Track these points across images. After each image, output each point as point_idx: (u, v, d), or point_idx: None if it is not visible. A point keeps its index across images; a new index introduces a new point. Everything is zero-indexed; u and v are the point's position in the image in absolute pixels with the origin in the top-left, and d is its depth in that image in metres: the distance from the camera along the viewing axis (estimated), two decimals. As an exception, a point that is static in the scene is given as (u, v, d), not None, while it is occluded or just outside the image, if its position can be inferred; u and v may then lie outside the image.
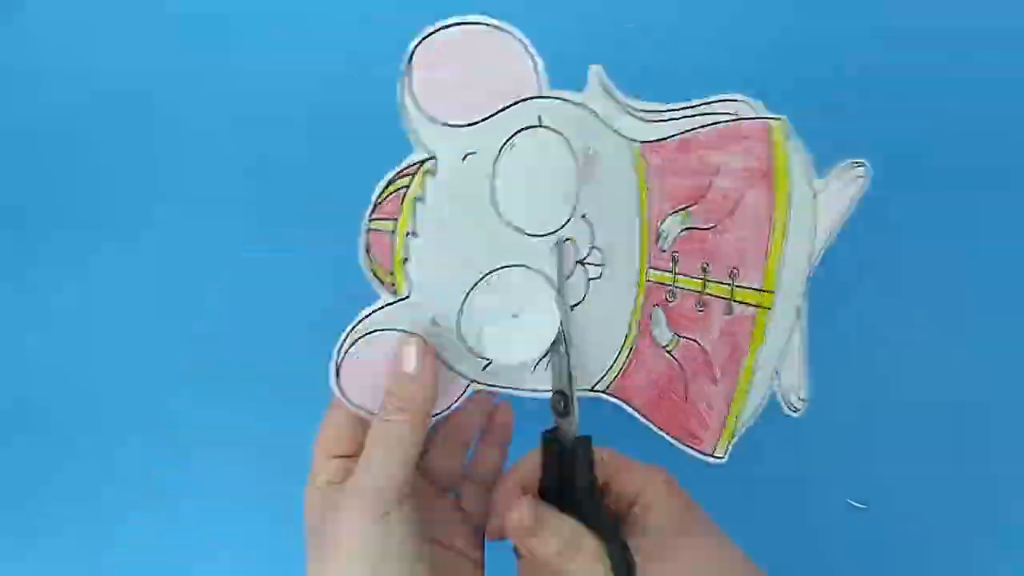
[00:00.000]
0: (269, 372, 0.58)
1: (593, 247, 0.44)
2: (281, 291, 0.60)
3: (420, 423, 0.38)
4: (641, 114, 0.44)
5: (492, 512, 0.44)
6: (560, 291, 0.42)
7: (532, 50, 0.40)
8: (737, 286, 0.47)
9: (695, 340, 0.47)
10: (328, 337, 0.40)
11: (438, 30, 0.38)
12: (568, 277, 0.43)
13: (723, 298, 0.47)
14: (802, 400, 0.47)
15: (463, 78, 0.39)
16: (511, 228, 0.42)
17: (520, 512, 0.37)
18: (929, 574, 0.60)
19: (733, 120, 0.46)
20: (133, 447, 0.58)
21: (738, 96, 0.45)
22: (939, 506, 0.60)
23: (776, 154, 0.46)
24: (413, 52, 0.38)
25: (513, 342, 0.42)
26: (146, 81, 0.61)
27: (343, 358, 0.39)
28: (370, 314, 0.40)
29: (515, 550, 0.43)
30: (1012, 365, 0.61)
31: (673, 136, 0.45)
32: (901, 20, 0.62)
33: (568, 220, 0.43)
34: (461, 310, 0.41)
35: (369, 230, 0.40)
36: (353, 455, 0.39)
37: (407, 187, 0.40)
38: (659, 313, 0.46)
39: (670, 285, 0.46)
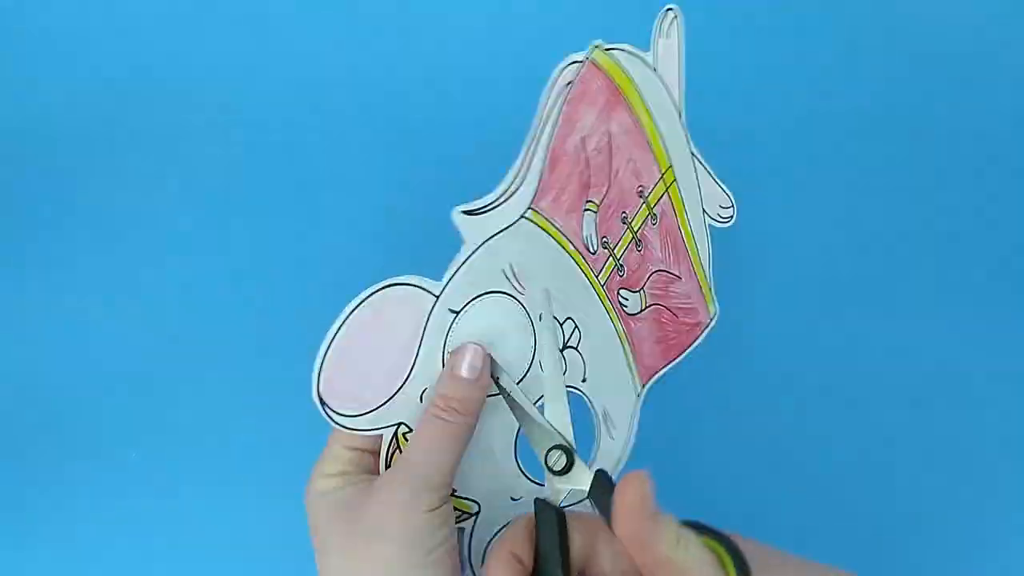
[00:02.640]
0: (270, 372, 0.56)
1: (564, 321, 0.41)
2: (281, 290, 0.59)
3: (471, 426, 0.38)
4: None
5: None
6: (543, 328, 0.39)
7: (406, 279, 0.36)
8: (649, 197, 0.45)
9: (653, 271, 0.46)
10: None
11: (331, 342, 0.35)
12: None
13: (645, 217, 0.45)
14: (727, 207, 0.49)
15: (369, 365, 0.36)
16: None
17: (643, 483, 0.32)
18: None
19: (569, 91, 0.39)
20: (133, 445, 0.57)
21: (567, 59, 0.39)
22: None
23: (614, 75, 0.41)
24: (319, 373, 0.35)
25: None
26: (143, 78, 0.62)
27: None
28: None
29: None
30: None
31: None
32: None
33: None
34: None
35: None
36: (370, 450, 0.39)
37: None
38: (623, 293, 0.45)
39: (615, 265, 0.44)
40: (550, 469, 0.37)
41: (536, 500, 0.36)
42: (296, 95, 0.62)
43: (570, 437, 0.38)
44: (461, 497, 0.39)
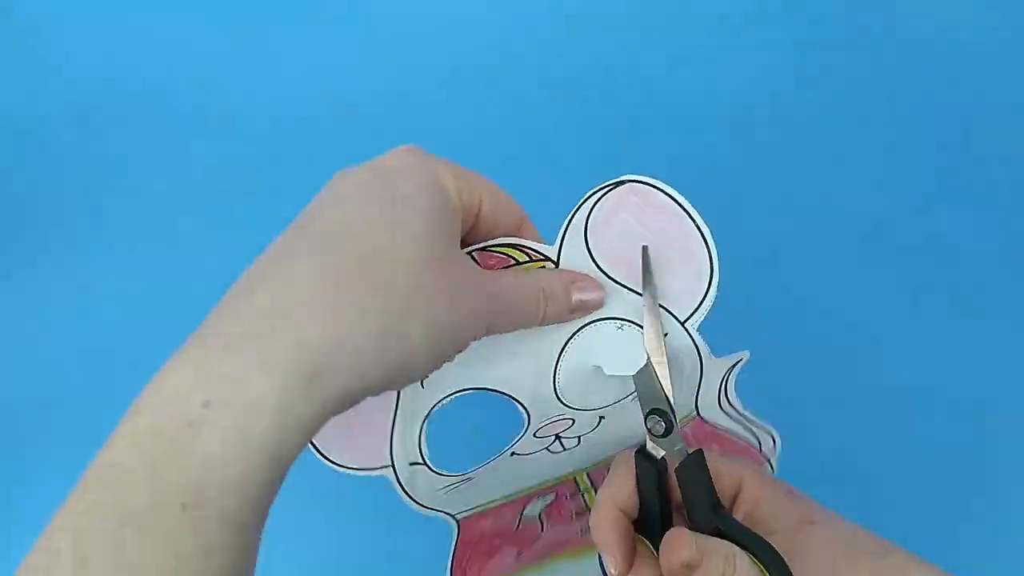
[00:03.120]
0: None
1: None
2: None
3: (534, 324, 0.36)
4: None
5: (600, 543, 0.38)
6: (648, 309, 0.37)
7: None
8: None
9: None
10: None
11: None
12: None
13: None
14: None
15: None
16: None
17: (689, 551, 0.33)
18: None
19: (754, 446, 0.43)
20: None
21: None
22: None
23: None
24: None
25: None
26: (144, 78, 0.62)
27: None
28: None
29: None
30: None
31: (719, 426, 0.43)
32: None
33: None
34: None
35: None
36: (485, 221, 0.35)
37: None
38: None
39: (581, 492, 0.47)
40: (649, 431, 0.38)
41: (636, 453, 0.37)
42: (297, 95, 0.62)
43: (670, 402, 0.37)
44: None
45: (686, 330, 0.38)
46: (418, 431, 0.39)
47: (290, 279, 0.28)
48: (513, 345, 0.36)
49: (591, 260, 0.36)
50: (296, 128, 0.61)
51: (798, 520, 0.37)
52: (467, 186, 0.33)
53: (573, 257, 0.36)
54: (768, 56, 0.65)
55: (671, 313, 0.37)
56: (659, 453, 0.37)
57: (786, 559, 0.34)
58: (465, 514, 0.45)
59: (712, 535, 0.35)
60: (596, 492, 0.45)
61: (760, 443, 0.45)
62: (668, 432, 0.37)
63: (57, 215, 0.60)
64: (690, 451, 0.36)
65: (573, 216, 0.35)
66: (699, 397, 0.41)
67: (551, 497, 0.46)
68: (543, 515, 0.47)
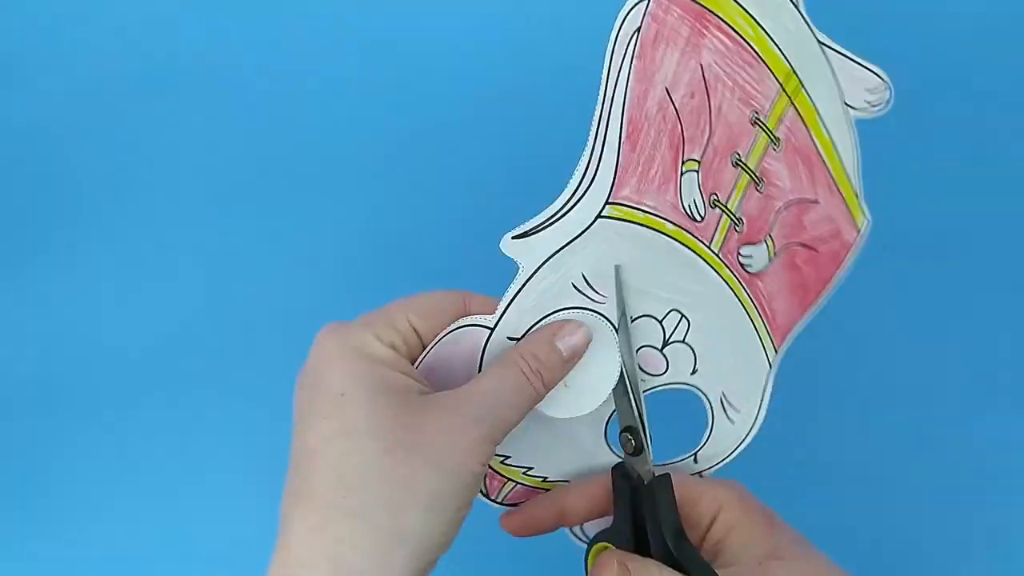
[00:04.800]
0: (273, 371, 0.53)
1: (666, 315, 0.37)
2: (285, 289, 0.59)
3: (542, 396, 0.35)
4: None
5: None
6: (620, 326, 0.37)
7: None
8: (767, 120, 0.35)
9: (781, 207, 0.37)
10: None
11: None
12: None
13: (766, 148, 0.36)
14: (877, 89, 0.39)
15: None
16: None
17: (611, 571, 0.34)
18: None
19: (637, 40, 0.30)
20: (133, 445, 0.57)
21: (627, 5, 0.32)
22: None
23: None
24: None
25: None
26: (145, 76, 0.62)
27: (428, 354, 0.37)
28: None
29: None
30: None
31: None
32: None
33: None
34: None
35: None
36: (428, 336, 0.36)
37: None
38: (745, 251, 0.37)
39: (731, 222, 0.35)
40: (623, 448, 0.38)
41: (613, 468, 0.37)
42: (297, 95, 0.61)
43: (639, 422, 0.37)
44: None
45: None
46: None
47: (288, 544, 0.32)
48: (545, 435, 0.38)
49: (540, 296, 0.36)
50: (297, 128, 0.60)
51: (764, 554, 0.36)
52: (391, 326, 0.35)
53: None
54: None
55: None
56: (634, 472, 0.37)
57: None
58: None
59: (664, 561, 0.35)
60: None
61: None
62: (639, 452, 0.37)
63: (57, 214, 0.60)
64: (657, 474, 0.36)
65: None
66: None
67: None
68: None
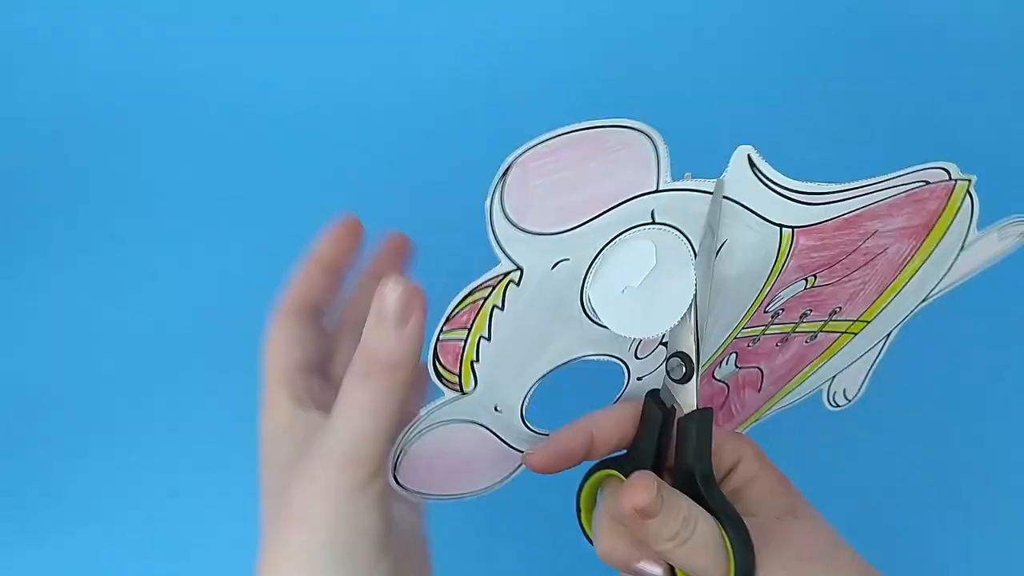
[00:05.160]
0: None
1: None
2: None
3: (400, 384, 0.32)
4: (800, 196, 0.33)
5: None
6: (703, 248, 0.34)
7: (656, 141, 0.31)
8: (832, 320, 0.41)
9: (757, 367, 0.42)
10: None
11: (541, 142, 0.30)
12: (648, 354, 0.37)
13: (811, 332, 0.41)
14: (847, 399, 0.46)
15: (561, 184, 0.31)
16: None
17: (648, 495, 0.31)
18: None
19: (918, 187, 0.35)
20: (133, 445, 0.56)
21: (936, 164, 0.34)
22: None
23: (946, 210, 0.37)
24: (510, 166, 0.30)
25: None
26: (145, 76, 0.62)
27: (401, 456, 0.35)
28: (432, 411, 0.34)
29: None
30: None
31: (839, 217, 0.34)
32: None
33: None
34: (527, 394, 0.36)
35: (439, 340, 0.32)
36: (321, 363, 0.38)
37: (485, 298, 0.32)
38: (731, 359, 0.40)
39: (758, 336, 0.39)
40: (668, 375, 0.35)
41: (647, 394, 0.35)
42: (297, 95, 0.62)
43: (692, 350, 0.34)
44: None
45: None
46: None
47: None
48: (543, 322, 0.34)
49: (541, 239, 0.32)
50: (297, 128, 0.61)
51: (783, 510, 0.35)
52: (316, 337, 0.39)
53: (524, 252, 0.31)
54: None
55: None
56: (670, 402, 0.35)
57: (757, 546, 0.32)
58: None
59: (691, 497, 0.33)
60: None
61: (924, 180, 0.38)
62: (687, 378, 0.34)
63: (57, 214, 0.59)
64: (700, 408, 0.34)
65: (494, 231, 0.31)
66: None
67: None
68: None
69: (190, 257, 0.59)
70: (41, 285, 0.58)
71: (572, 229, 0.31)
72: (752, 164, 0.32)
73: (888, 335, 0.43)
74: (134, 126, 0.61)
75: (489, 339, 0.33)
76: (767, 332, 0.39)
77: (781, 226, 0.34)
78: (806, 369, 0.43)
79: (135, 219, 0.59)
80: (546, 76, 0.60)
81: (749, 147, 0.32)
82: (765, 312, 0.38)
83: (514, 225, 0.30)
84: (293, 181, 0.59)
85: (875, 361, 0.44)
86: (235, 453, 0.51)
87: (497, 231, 0.30)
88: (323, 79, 0.62)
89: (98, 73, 0.62)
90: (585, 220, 0.31)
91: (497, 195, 0.30)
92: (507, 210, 0.30)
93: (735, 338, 0.38)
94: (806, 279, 0.37)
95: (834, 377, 0.44)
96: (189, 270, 0.59)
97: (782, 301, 0.38)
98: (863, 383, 0.45)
